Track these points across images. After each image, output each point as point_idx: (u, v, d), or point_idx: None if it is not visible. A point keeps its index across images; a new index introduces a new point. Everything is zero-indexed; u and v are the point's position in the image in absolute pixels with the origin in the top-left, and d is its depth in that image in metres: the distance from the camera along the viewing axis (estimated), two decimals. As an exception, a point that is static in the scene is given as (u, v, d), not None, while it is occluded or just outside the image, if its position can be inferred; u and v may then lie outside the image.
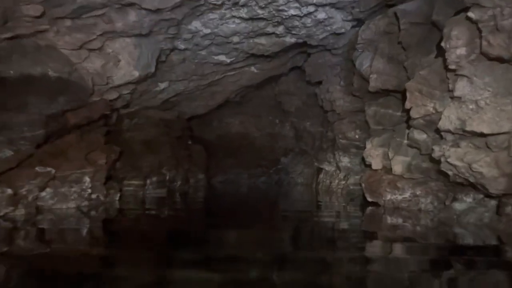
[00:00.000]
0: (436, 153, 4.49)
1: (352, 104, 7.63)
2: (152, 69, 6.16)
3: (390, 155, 5.79)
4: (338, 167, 8.42)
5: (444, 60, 3.97)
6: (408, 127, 5.48)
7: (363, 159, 6.78)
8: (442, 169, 4.41)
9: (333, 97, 8.01)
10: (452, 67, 3.80)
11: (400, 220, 4.90)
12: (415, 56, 5.22)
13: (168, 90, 7.89)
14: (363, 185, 6.20)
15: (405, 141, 5.65)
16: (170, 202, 7.14)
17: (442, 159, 4.35)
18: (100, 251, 3.48)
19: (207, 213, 6.44)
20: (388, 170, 5.88)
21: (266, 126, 12.25)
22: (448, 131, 4.13)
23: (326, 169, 9.04)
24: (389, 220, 4.99)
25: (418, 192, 5.41)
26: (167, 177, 8.76)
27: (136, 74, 5.83)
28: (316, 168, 9.82)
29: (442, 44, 3.90)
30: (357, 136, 7.77)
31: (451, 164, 4.18)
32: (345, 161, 8.14)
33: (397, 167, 5.63)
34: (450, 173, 4.38)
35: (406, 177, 5.54)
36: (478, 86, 3.67)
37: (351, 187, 7.82)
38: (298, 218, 5.54)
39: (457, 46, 3.69)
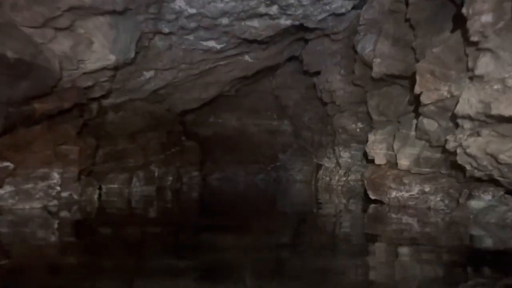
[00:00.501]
0: (451, 144, 3.92)
1: (353, 94, 7.19)
2: (132, 54, 5.57)
3: (395, 148, 5.41)
4: (338, 163, 8.07)
5: (465, 32, 3.32)
6: (417, 116, 4.93)
7: (365, 154, 6.41)
8: (459, 162, 3.83)
9: (333, 87, 7.54)
10: (475, 38, 3.16)
11: (411, 221, 4.41)
12: (425, 35, 4.63)
13: (155, 80, 7.32)
14: (365, 181, 5.83)
15: (412, 133, 5.28)
16: (158, 201, 6.73)
17: (459, 151, 3.76)
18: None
19: (200, 213, 5.99)
20: (393, 165, 5.49)
21: (264, 121, 11.87)
22: (467, 117, 3.51)
23: (326, 165, 8.88)
24: (396, 219, 4.51)
25: (427, 189, 5.04)
26: (156, 174, 8.32)
27: (113, 58, 5.23)
28: (315, 165, 9.53)
29: (463, 10, 3.24)
30: (358, 130, 7.47)
31: (470, 156, 3.59)
32: (345, 156, 7.88)
33: (403, 162, 5.23)
34: (468, 166, 3.80)
35: (414, 172, 5.17)
36: (506, 62, 3.05)
37: (352, 184, 7.55)
38: (297, 219, 5.11)
39: (482, 12, 3.05)
